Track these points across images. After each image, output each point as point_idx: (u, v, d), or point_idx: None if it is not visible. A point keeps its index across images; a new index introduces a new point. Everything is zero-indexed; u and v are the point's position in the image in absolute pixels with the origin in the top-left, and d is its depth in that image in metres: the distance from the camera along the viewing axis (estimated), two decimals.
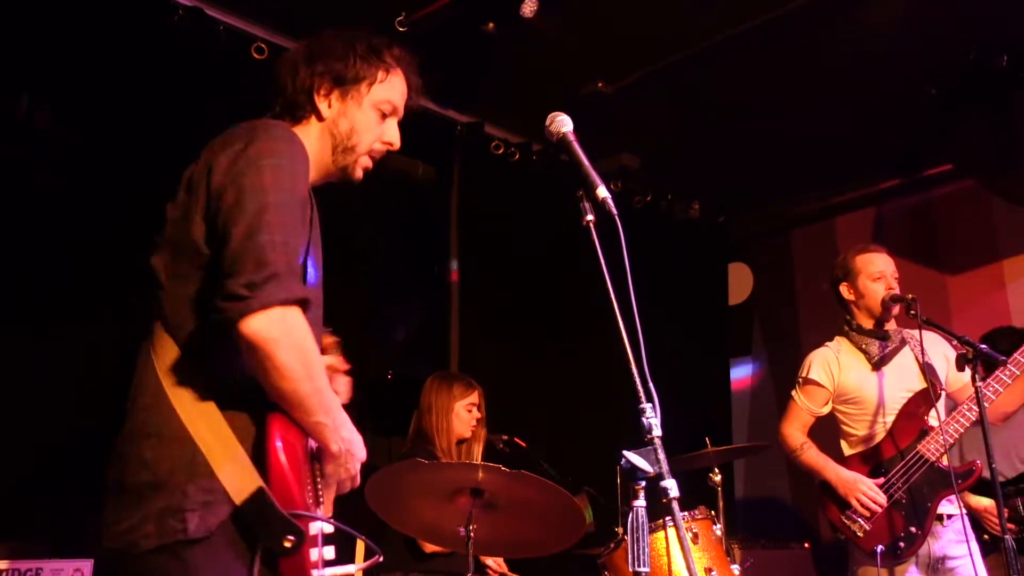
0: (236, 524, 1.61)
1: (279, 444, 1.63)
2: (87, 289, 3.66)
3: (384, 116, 2.01)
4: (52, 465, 3.47)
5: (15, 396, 3.44)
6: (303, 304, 1.63)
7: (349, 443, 1.79)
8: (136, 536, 1.59)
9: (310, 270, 1.79)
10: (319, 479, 1.81)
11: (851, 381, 3.68)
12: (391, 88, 2.01)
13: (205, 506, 1.59)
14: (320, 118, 1.96)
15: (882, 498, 3.42)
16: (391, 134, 2.03)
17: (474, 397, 4.05)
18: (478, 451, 4.08)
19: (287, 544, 1.58)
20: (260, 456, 1.63)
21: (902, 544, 3.38)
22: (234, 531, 1.61)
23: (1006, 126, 4.80)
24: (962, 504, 3.43)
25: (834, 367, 3.72)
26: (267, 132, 1.78)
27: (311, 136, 1.95)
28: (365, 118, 1.98)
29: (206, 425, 1.64)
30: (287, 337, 1.59)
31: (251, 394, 1.66)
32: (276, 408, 1.66)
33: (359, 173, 2.02)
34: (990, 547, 3.79)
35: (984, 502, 3.90)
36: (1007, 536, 2.91)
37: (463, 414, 4.00)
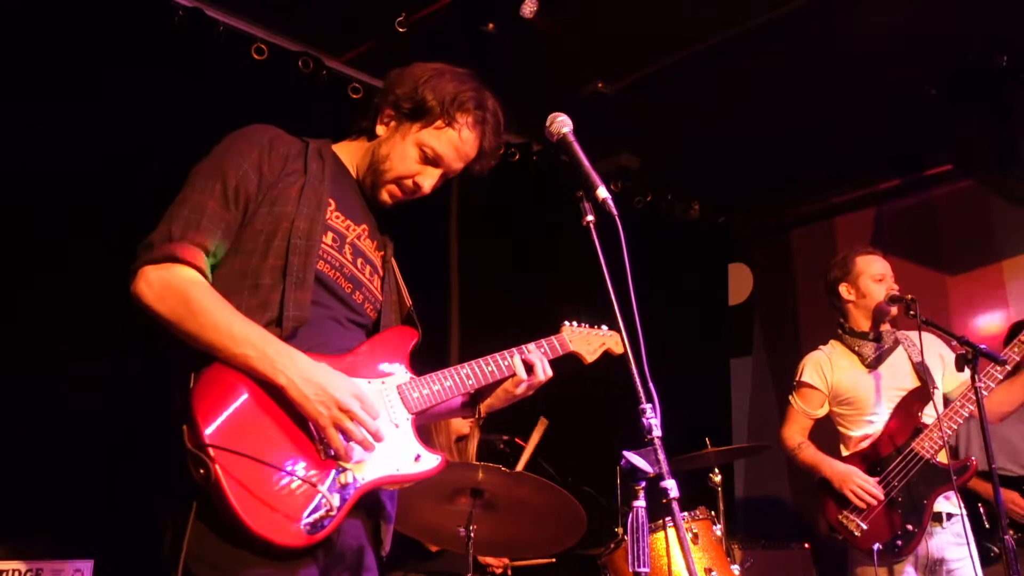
0: None
1: (195, 384, 1.70)
2: (84, 288, 3.66)
3: (425, 159, 2.06)
4: (52, 465, 3.48)
5: (15, 396, 3.44)
6: (183, 259, 1.77)
7: (301, 374, 1.74)
8: None
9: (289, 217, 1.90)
10: (315, 433, 1.77)
11: (845, 382, 3.69)
12: (443, 139, 2.07)
13: None
14: (371, 137, 2.10)
15: (877, 490, 3.43)
16: (423, 177, 2.07)
17: None
18: (473, 448, 4.09)
19: (198, 479, 1.62)
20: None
21: (900, 542, 3.38)
22: None
23: (1006, 126, 4.80)
24: (962, 504, 3.43)
25: (827, 369, 3.74)
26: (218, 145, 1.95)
27: (359, 149, 2.12)
28: (403, 151, 2.05)
29: None
30: (153, 289, 1.76)
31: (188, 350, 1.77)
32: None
33: (384, 197, 2.08)
34: (992, 559, 3.79)
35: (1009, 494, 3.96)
36: (1007, 536, 2.91)
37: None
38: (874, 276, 3.69)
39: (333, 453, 1.76)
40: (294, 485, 1.69)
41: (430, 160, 2.07)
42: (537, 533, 3.19)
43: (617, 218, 1.77)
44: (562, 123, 1.96)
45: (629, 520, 1.63)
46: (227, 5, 4.34)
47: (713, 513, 3.61)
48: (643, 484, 1.62)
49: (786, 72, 4.87)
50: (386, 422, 1.88)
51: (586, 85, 4.99)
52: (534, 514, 3.07)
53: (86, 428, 3.54)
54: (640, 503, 1.63)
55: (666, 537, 3.30)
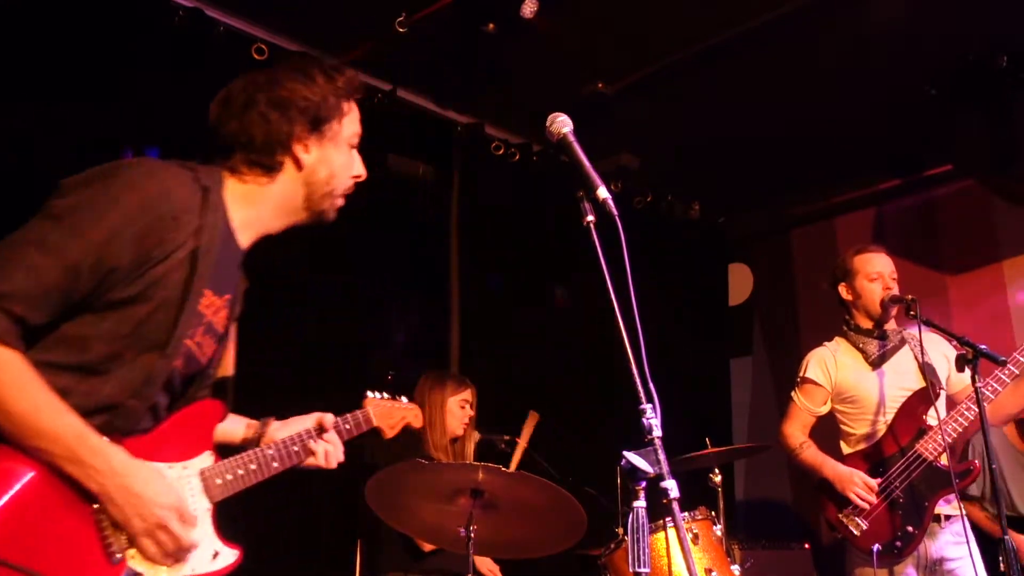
0: None
1: None
2: None
3: (352, 148, 1.95)
4: None
5: None
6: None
7: (116, 481, 1.58)
8: None
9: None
10: (106, 528, 1.62)
11: (848, 380, 3.69)
12: (354, 120, 1.94)
13: None
14: (299, 167, 1.86)
15: (876, 495, 3.43)
16: (358, 167, 1.96)
17: (467, 394, 4.05)
18: (471, 450, 4.08)
19: None
20: None
21: (899, 544, 3.38)
22: None
23: (1006, 126, 4.79)
24: (961, 505, 3.43)
25: (831, 366, 3.73)
26: (95, 175, 1.65)
27: (281, 187, 1.86)
28: (342, 158, 1.91)
29: None
30: None
31: None
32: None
33: (334, 215, 1.96)
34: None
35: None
36: (1007, 537, 2.91)
37: (456, 410, 4.00)
38: (869, 275, 3.69)
39: (120, 557, 1.63)
40: None
41: (355, 146, 1.96)
42: (537, 533, 3.18)
43: (617, 218, 1.76)
44: (562, 123, 1.95)
45: (629, 520, 1.63)
46: (227, 5, 4.34)
47: (713, 513, 3.61)
48: (643, 484, 1.62)
49: (786, 72, 4.87)
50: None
51: (586, 85, 4.99)
52: (534, 514, 3.06)
53: None
54: (640, 503, 1.63)
55: (666, 537, 3.30)
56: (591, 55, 4.78)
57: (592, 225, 1.82)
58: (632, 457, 1.60)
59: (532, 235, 5.54)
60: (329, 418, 2.16)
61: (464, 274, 5.29)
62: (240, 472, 1.89)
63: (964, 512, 3.40)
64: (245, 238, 1.88)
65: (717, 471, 3.99)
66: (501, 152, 5.39)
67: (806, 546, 4.70)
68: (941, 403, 3.51)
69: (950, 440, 3.36)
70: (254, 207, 1.86)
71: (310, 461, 2.10)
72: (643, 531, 1.61)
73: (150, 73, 4.02)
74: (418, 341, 5.15)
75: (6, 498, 1.52)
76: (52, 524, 1.57)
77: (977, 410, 3.13)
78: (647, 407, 1.64)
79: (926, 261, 5.80)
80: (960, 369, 3.16)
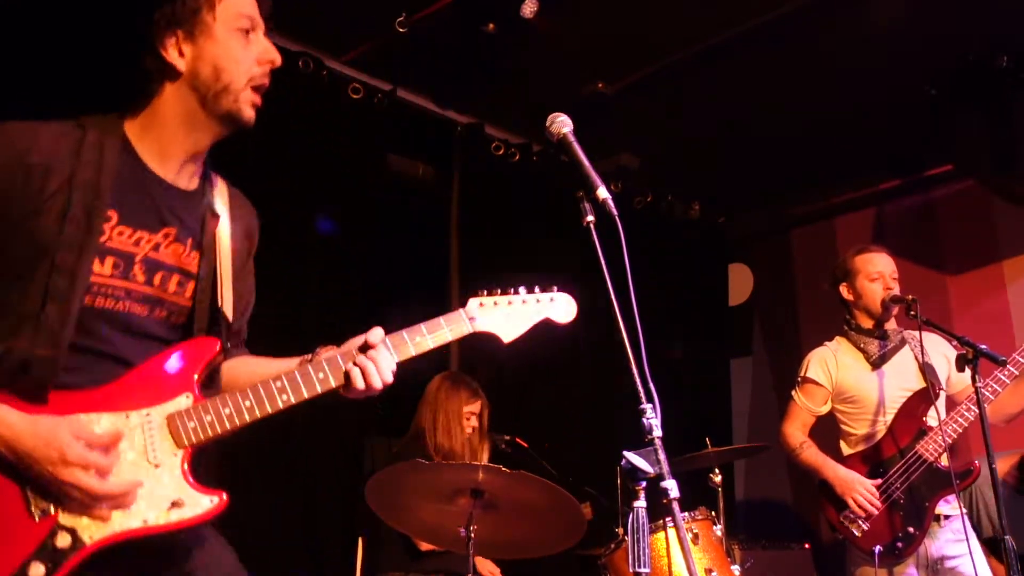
0: None
1: None
2: None
3: (247, 33, 1.75)
4: None
5: None
6: None
7: (10, 450, 1.52)
8: None
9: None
10: (28, 486, 1.56)
11: (849, 380, 3.69)
12: (236, 1, 1.75)
13: None
14: (175, 76, 1.73)
15: (878, 500, 3.43)
16: (263, 50, 1.77)
17: (475, 406, 4.02)
18: (483, 460, 4.05)
19: None
20: None
21: (900, 544, 3.38)
22: None
23: (1006, 126, 4.79)
24: (961, 504, 3.43)
25: (832, 366, 3.73)
26: None
27: (170, 102, 1.75)
28: (226, 48, 1.72)
29: None
30: None
31: None
32: None
33: (248, 112, 1.77)
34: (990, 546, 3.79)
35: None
36: (1007, 537, 2.91)
37: (461, 421, 3.98)
38: (869, 275, 3.69)
39: (44, 513, 1.55)
40: None
41: (251, 30, 1.76)
42: (537, 533, 3.18)
43: (617, 218, 1.76)
44: (562, 123, 1.95)
45: (629, 520, 1.63)
46: None
47: (713, 513, 3.61)
48: (643, 484, 1.62)
49: (786, 72, 4.87)
50: (136, 466, 1.61)
51: (586, 85, 4.99)
52: (534, 514, 3.07)
53: None
54: (640, 503, 1.62)
55: (666, 537, 3.30)
56: (591, 55, 4.78)
57: (592, 225, 1.82)
58: (632, 457, 1.60)
59: (532, 235, 5.53)
60: (377, 333, 1.83)
61: (464, 274, 5.29)
62: (226, 411, 1.67)
63: (963, 510, 3.41)
64: (169, 169, 1.77)
65: (717, 471, 3.99)
66: (501, 152, 5.39)
67: (806, 546, 4.70)
68: (941, 403, 3.51)
69: (950, 441, 3.37)
70: (158, 133, 1.76)
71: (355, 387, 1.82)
72: (643, 531, 1.61)
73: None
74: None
75: None
76: None
77: (977, 410, 3.13)
78: (647, 407, 1.64)
79: (926, 261, 5.81)
80: (960, 369, 3.16)
